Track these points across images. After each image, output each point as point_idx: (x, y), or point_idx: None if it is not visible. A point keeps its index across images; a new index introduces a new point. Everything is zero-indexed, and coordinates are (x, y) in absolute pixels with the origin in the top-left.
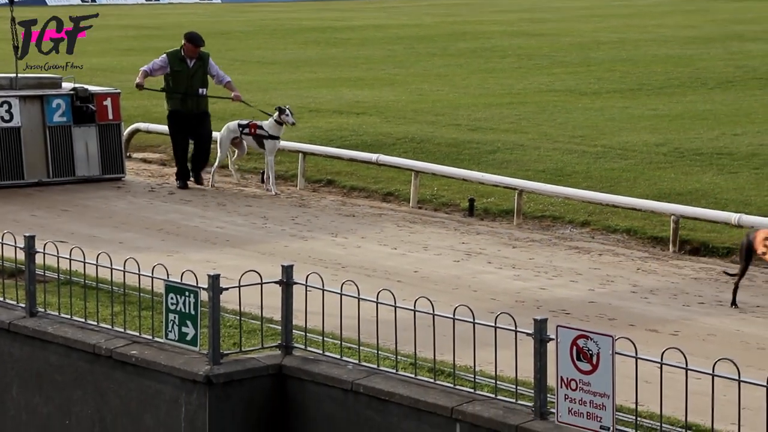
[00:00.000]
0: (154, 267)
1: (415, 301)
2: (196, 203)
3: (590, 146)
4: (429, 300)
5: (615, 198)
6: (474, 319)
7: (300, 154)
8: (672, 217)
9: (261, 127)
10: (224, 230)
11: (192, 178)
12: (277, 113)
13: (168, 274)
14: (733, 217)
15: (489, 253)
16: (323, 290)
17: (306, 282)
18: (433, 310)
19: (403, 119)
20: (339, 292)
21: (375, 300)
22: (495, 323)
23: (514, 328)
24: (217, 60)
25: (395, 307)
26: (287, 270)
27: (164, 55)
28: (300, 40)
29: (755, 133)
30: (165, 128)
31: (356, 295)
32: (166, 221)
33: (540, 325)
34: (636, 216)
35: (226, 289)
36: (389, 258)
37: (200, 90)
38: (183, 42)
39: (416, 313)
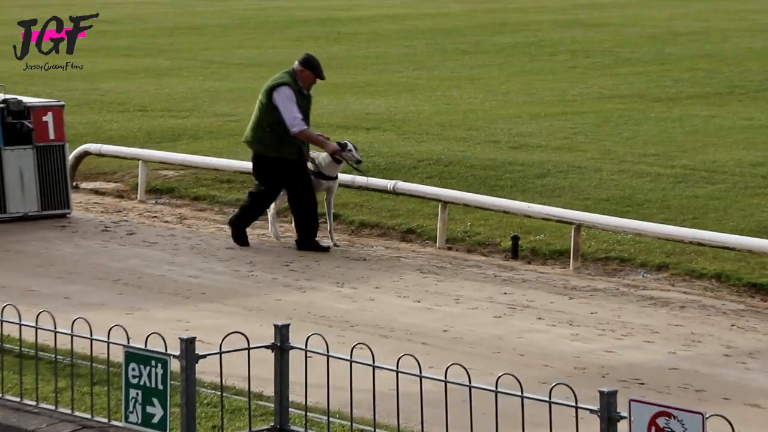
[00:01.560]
0: (110, 329)
1: (447, 368)
2: (163, 246)
3: (667, 167)
4: (464, 367)
5: (700, 233)
6: (522, 392)
7: None
8: None
9: (312, 161)
10: (199, 280)
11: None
12: (336, 144)
13: (128, 338)
14: None
15: (539, 306)
16: (327, 356)
17: (306, 346)
18: (470, 381)
19: (426, 135)
20: (348, 358)
21: (394, 368)
22: (549, 397)
23: (574, 404)
24: (190, 62)
25: (420, 377)
26: (281, 331)
27: (287, 88)
28: (292, 35)
29: None
30: (122, 150)
31: (370, 362)
32: (125, 269)
33: (608, 399)
34: (728, 257)
35: (204, 356)
36: (411, 314)
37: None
38: (297, 67)
39: (447, 384)
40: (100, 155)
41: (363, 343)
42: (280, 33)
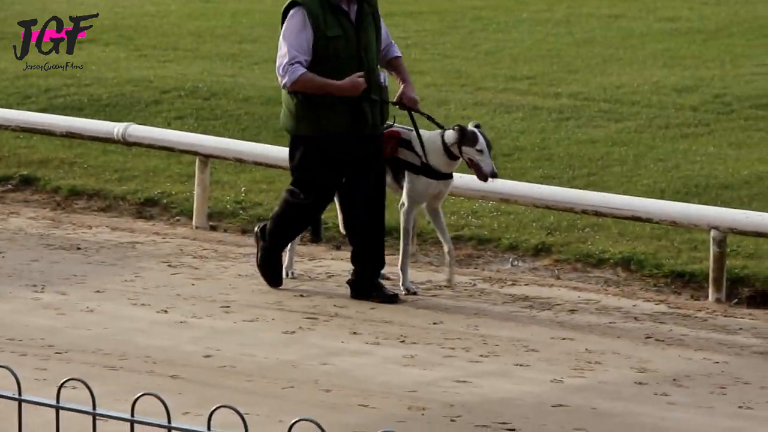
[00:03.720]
0: None
1: (210, 415)
2: None
3: (548, 97)
4: (238, 412)
5: (599, 197)
6: None
7: None
8: (713, 231)
9: (409, 145)
10: None
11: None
12: (456, 132)
13: None
14: None
15: (353, 315)
16: (19, 401)
17: None
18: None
19: (175, 51)
20: (53, 403)
21: (127, 416)
22: None
23: None
24: None
25: (169, 428)
26: None
27: (298, 9)
28: None
29: None
30: None
31: (89, 409)
32: None
33: None
34: (641, 233)
35: None
36: (154, 331)
37: (381, 75)
38: None
39: None
40: None
41: (78, 380)
42: None
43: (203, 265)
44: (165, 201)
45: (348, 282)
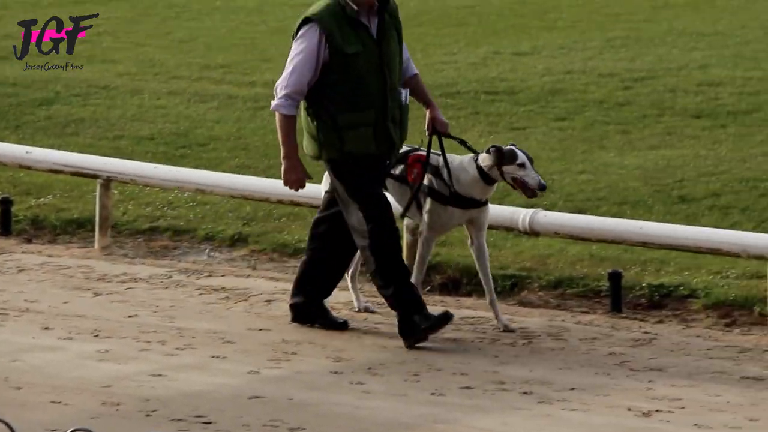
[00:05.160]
0: None
1: None
2: None
3: (243, 85)
4: None
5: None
6: None
7: None
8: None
9: (437, 171)
10: None
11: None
12: (493, 154)
13: None
14: None
15: (45, 310)
16: None
17: None
18: None
19: None
20: None
21: None
22: None
23: None
24: None
25: None
26: None
27: (312, 27)
28: None
29: None
30: None
31: None
32: None
33: None
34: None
35: None
36: None
37: (402, 93)
38: None
39: None
40: None
41: None
42: None
43: None
44: None
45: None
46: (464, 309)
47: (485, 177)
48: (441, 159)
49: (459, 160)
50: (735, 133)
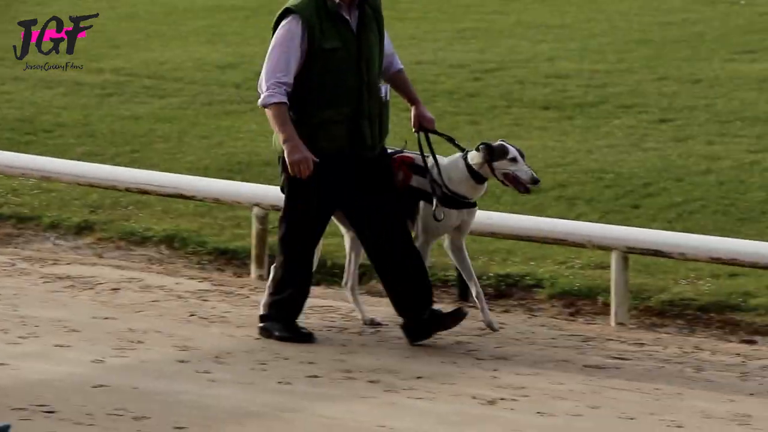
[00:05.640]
0: None
1: None
2: None
3: (90, 72)
4: None
5: (125, 174)
6: None
7: None
8: (255, 208)
9: (424, 172)
10: None
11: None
12: (483, 151)
13: None
14: None
15: None
16: None
17: None
18: None
19: None
20: None
21: None
22: None
23: None
24: None
25: None
26: None
27: (292, 19)
28: None
29: None
30: None
31: None
32: None
33: None
34: (185, 210)
35: None
36: None
37: (382, 89)
38: None
39: None
40: None
41: None
42: None
43: None
44: None
45: (402, 327)
46: (312, 298)
47: (475, 175)
48: (430, 159)
49: (447, 159)
50: (581, 125)
